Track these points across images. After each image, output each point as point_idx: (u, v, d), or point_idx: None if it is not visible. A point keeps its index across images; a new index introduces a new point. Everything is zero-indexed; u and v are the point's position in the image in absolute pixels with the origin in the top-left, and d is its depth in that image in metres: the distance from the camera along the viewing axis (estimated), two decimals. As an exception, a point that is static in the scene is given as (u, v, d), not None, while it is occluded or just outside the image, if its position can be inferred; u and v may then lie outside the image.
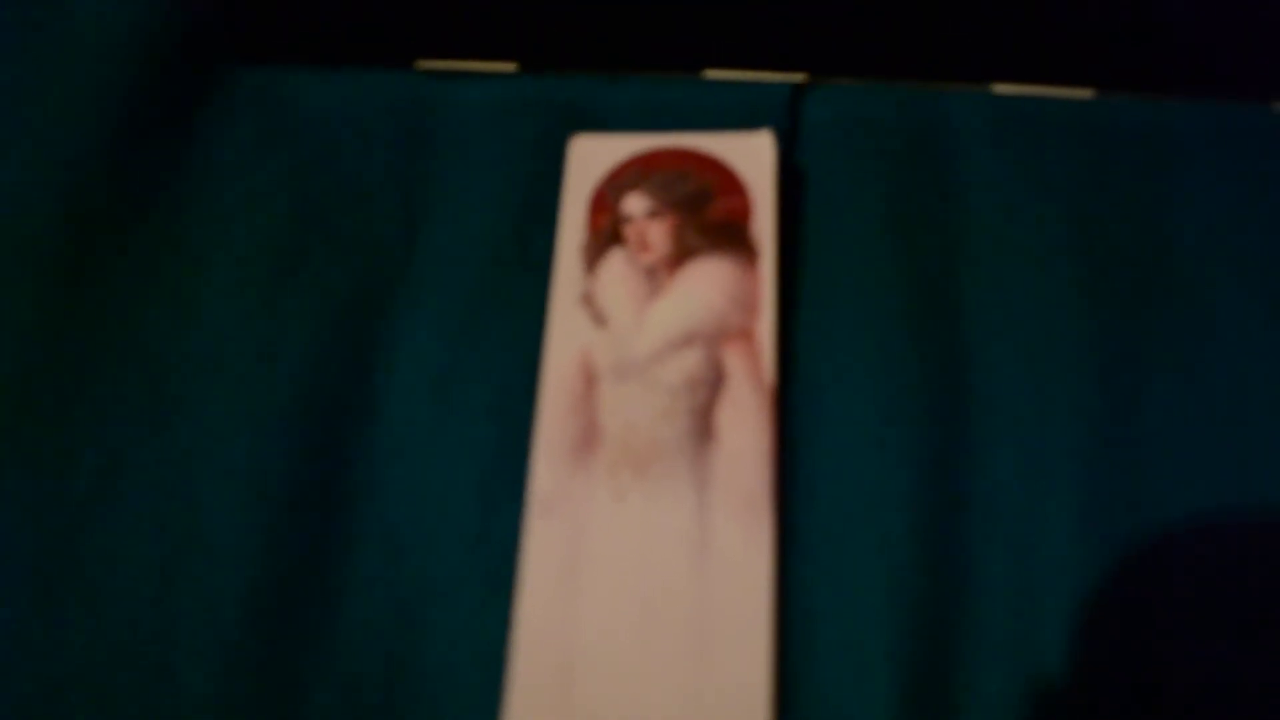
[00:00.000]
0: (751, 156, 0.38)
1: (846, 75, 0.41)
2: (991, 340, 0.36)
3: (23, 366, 0.36)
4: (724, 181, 0.38)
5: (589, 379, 0.35)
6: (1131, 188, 0.38)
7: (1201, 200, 0.38)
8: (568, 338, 0.36)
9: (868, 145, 0.39)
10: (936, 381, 0.35)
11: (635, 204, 0.38)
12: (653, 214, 0.37)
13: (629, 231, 0.37)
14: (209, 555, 0.34)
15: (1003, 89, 0.40)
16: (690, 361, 0.35)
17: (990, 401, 0.35)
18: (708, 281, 0.36)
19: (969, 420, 0.35)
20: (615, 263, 0.37)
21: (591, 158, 0.39)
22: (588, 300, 0.36)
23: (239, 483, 0.35)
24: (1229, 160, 0.38)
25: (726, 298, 0.36)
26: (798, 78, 0.41)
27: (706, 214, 0.37)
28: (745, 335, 0.35)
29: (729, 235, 0.37)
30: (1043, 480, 0.33)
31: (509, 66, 0.42)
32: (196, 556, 0.34)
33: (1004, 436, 0.34)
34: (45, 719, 0.32)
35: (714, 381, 0.35)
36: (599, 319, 0.36)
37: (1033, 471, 0.34)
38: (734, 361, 0.35)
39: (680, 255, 0.36)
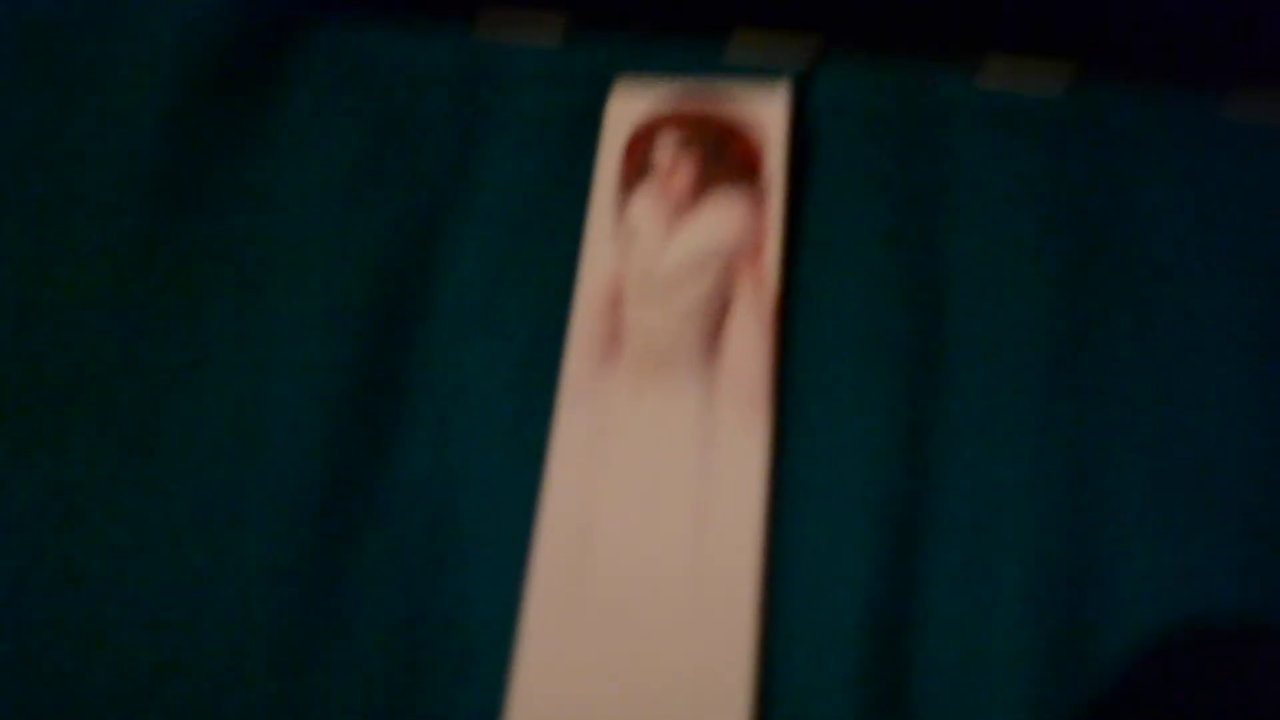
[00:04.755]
0: (767, 109, 0.43)
1: (854, 44, 0.46)
2: (965, 288, 0.41)
3: (128, 262, 0.42)
4: (741, 130, 0.43)
5: (617, 294, 0.41)
6: (1104, 181, 0.43)
7: (1164, 200, 0.42)
8: (600, 259, 0.41)
9: (865, 123, 0.45)
10: (916, 316, 0.41)
11: (664, 146, 0.43)
12: (678, 155, 0.43)
13: (657, 169, 0.43)
14: (283, 423, 0.40)
15: (989, 78, 0.45)
16: (706, 283, 0.40)
17: (964, 359, 0.40)
18: (722, 214, 0.41)
19: (944, 371, 0.40)
20: (644, 196, 0.42)
21: (628, 106, 0.44)
22: (619, 228, 0.42)
23: (311, 365, 0.41)
24: (1192, 160, 0.43)
25: (737, 228, 0.41)
26: (812, 43, 0.46)
27: (726, 153, 0.42)
28: (753, 262, 0.41)
29: (743, 173, 0.42)
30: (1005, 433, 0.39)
31: (558, 21, 0.48)
32: (272, 426, 0.40)
33: (973, 384, 0.39)
34: (128, 571, 0.38)
35: (725, 297, 0.40)
36: (628, 244, 0.41)
37: (996, 401, 0.39)
38: (742, 284, 0.40)
39: (700, 191, 0.42)
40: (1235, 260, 0.41)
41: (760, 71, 0.46)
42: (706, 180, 0.42)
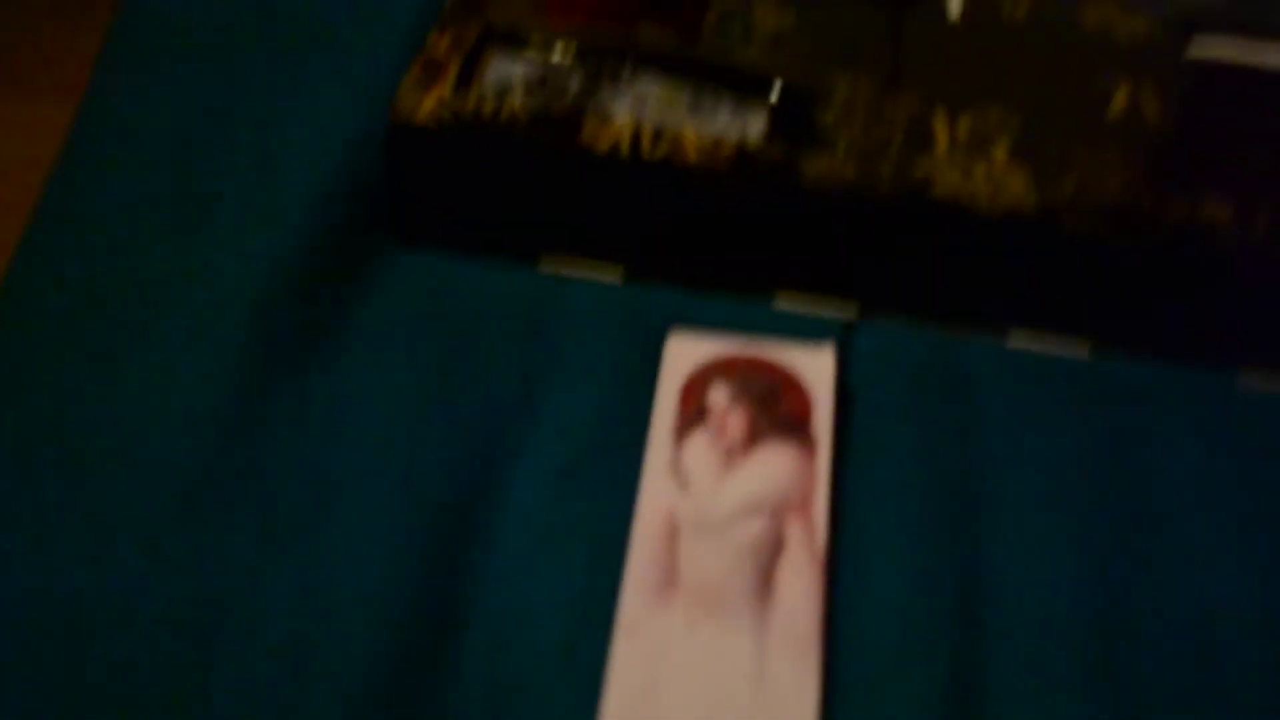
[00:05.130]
0: (814, 365, 0.47)
1: (887, 311, 0.50)
2: (999, 535, 0.44)
3: (202, 457, 0.43)
4: (791, 383, 0.46)
5: (672, 532, 0.42)
6: (1119, 441, 0.47)
7: (1177, 456, 0.46)
8: (657, 495, 0.43)
9: (904, 376, 0.48)
10: (957, 571, 0.43)
11: (718, 395, 0.46)
12: (731, 405, 0.46)
13: (711, 416, 0.45)
14: (338, 641, 0.40)
15: (1016, 343, 0.50)
16: (757, 527, 0.43)
17: (999, 596, 0.42)
18: (774, 464, 0.44)
19: (981, 607, 0.42)
20: (699, 441, 0.45)
21: (684, 352, 0.47)
22: (674, 467, 0.44)
23: (370, 586, 0.41)
24: (1201, 424, 0.47)
25: (789, 477, 0.44)
26: (850, 308, 0.51)
27: (776, 408, 0.45)
28: (803, 509, 0.43)
29: (793, 427, 0.45)
30: (1046, 687, 0.40)
31: (615, 273, 0.51)
32: (328, 645, 0.40)
33: (1011, 624, 0.42)
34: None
35: (776, 545, 0.42)
36: (683, 484, 0.44)
37: (1035, 666, 0.41)
38: (793, 530, 0.43)
39: (752, 440, 0.45)
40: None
41: (806, 323, 0.49)
42: (758, 429, 0.45)
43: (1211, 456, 0.46)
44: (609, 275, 0.51)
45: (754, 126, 0.50)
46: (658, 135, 0.49)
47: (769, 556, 0.42)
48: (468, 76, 0.51)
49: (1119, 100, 0.52)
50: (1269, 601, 0.42)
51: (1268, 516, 0.44)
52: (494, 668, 0.40)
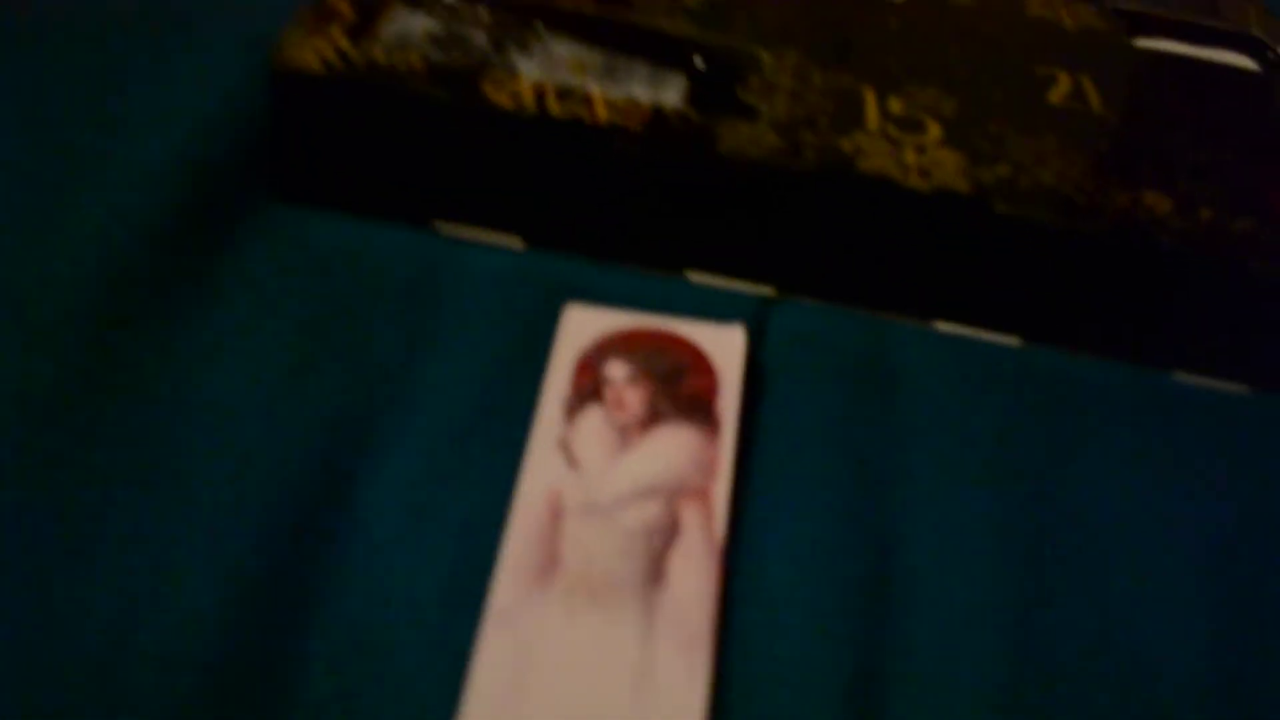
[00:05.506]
0: (723, 344, 0.43)
1: (806, 294, 0.47)
2: (914, 529, 0.40)
3: (38, 409, 0.38)
4: (696, 362, 0.42)
5: (556, 513, 0.38)
6: (1046, 430, 0.43)
7: (1108, 449, 0.43)
8: (541, 474, 0.39)
9: (823, 358, 0.45)
10: (866, 565, 0.39)
11: (616, 369, 0.42)
12: (631, 380, 0.42)
13: (608, 392, 0.41)
14: (170, 621, 0.35)
15: (943, 327, 0.46)
16: (650, 511, 0.38)
17: (910, 592, 0.39)
18: (674, 444, 0.40)
19: (890, 604, 0.38)
20: (592, 417, 0.41)
21: (582, 323, 0.43)
22: (563, 445, 0.40)
23: (213, 556, 0.37)
24: (1134, 416, 0.44)
25: (688, 460, 0.40)
26: (765, 290, 0.47)
27: (678, 387, 0.41)
28: (702, 495, 0.39)
29: (696, 408, 0.41)
30: (955, 693, 0.37)
31: (515, 241, 0.47)
32: (157, 621, 0.35)
33: (922, 624, 0.38)
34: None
35: (670, 531, 0.38)
36: (572, 462, 0.39)
37: (944, 672, 0.37)
38: (690, 516, 0.38)
39: (651, 419, 0.41)
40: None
41: (720, 300, 0.46)
42: (658, 408, 0.41)
43: (1144, 450, 0.43)
44: (509, 244, 0.47)
45: (671, 95, 0.46)
46: (566, 93, 0.45)
47: (661, 543, 0.38)
48: (365, 26, 0.47)
49: (1061, 88, 0.49)
50: (1200, 597, 0.39)
51: (1198, 512, 0.41)
52: (345, 664, 0.35)
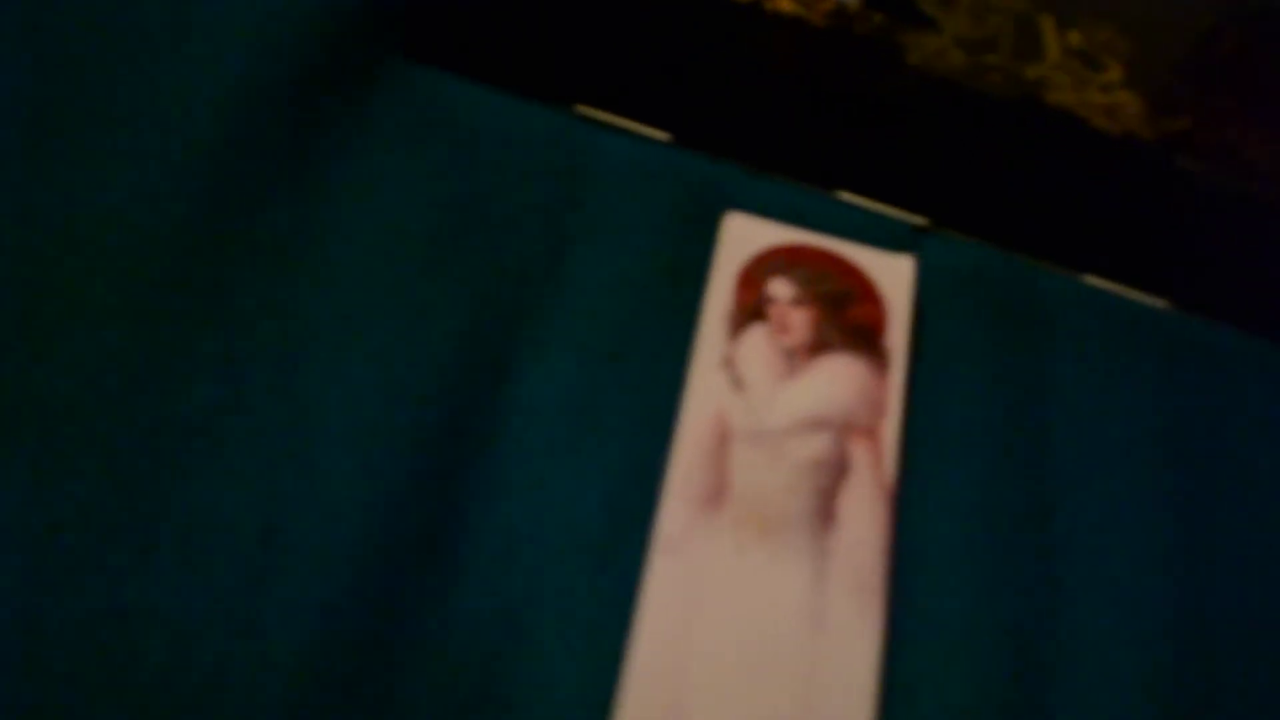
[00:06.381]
0: (892, 274, 0.40)
1: (960, 229, 0.44)
2: (1072, 480, 0.38)
3: (165, 299, 0.35)
4: (864, 290, 0.40)
5: (723, 437, 0.36)
6: (1199, 396, 0.42)
7: (1261, 422, 0.42)
8: (706, 394, 0.37)
9: (974, 297, 0.43)
10: (1026, 527, 0.38)
11: (781, 288, 0.39)
12: (796, 301, 0.39)
13: (772, 312, 0.39)
14: (315, 521, 0.33)
15: (1093, 281, 0.44)
16: (818, 444, 0.36)
17: (1069, 553, 0.37)
18: (842, 376, 0.38)
19: (1051, 545, 0.37)
20: (757, 337, 0.38)
21: (744, 235, 0.40)
22: (727, 364, 0.37)
23: (358, 454, 0.34)
24: None
25: (857, 394, 0.37)
26: (917, 219, 0.44)
27: (845, 314, 0.39)
28: (871, 434, 0.37)
29: (864, 338, 0.39)
30: (1120, 648, 0.36)
31: (662, 135, 0.44)
32: (302, 520, 0.33)
33: (1082, 557, 0.37)
34: (126, 660, 0.30)
35: (839, 467, 0.36)
36: (737, 384, 0.37)
37: (1109, 596, 0.36)
38: (859, 455, 0.36)
39: (817, 345, 0.38)
40: None
41: (870, 221, 0.43)
42: (824, 334, 0.38)
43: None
44: (653, 136, 0.44)
45: (843, -5, 0.43)
46: (744, -20, 0.41)
47: (831, 480, 0.36)
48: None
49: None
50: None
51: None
52: (502, 583, 0.33)
